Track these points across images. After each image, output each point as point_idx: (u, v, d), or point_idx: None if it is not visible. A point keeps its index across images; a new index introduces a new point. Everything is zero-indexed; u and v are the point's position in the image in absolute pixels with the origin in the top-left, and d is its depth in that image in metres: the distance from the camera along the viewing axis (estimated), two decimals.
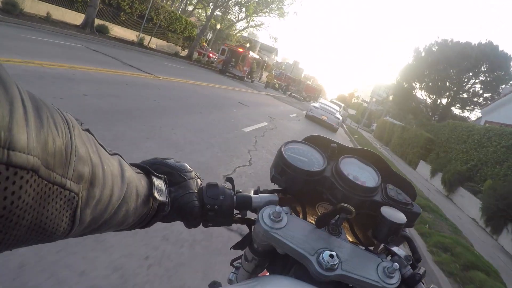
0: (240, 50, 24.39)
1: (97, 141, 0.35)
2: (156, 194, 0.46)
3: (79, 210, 0.30)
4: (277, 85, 34.33)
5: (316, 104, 17.12)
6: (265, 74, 32.62)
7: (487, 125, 12.90)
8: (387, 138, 21.74)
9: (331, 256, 0.46)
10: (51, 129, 0.26)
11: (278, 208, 0.50)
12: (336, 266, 0.45)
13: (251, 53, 25.62)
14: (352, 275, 0.46)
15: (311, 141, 0.64)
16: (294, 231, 0.49)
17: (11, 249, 0.26)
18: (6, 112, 0.21)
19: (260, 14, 29.67)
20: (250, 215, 0.59)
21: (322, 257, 0.46)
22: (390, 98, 28.28)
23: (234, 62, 24.16)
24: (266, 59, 54.55)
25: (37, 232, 0.27)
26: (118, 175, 0.38)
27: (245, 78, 25.49)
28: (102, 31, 14.71)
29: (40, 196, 0.25)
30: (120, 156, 0.41)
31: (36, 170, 0.23)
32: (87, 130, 0.34)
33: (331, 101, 27.14)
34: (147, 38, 19.41)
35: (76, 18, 14.15)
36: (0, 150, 0.20)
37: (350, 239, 0.59)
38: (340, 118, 16.84)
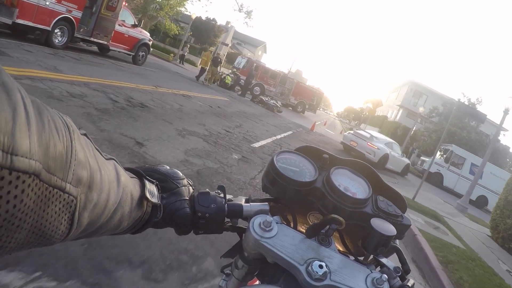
0: None
1: (94, 146, 0.36)
2: (148, 195, 0.47)
3: (77, 213, 0.31)
4: (228, 80, 18.06)
5: (352, 131, 13.62)
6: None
7: None
8: None
9: (320, 266, 0.46)
10: (53, 133, 0.26)
11: (268, 217, 0.50)
12: (325, 276, 0.46)
13: None
14: (341, 285, 0.46)
15: (303, 151, 0.64)
16: (284, 240, 0.49)
17: (11, 253, 0.26)
18: (9, 117, 0.21)
19: None
20: (241, 223, 0.59)
21: (311, 267, 0.46)
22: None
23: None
24: (249, 54, 38.25)
25: (37, 235, 0.27)
26: (114, 180, 0.38)
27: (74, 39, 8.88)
28: None
29: (41, 200, 0.25)
30: (116, 161, 0.42)
31: (37, 174, 0.24)
32: (85, 135, 0.35)
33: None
34: None
35: None
36: (3, 155, 0.21)
37: (340, 249, 0.60)
38: (381, 146, 12.15)
